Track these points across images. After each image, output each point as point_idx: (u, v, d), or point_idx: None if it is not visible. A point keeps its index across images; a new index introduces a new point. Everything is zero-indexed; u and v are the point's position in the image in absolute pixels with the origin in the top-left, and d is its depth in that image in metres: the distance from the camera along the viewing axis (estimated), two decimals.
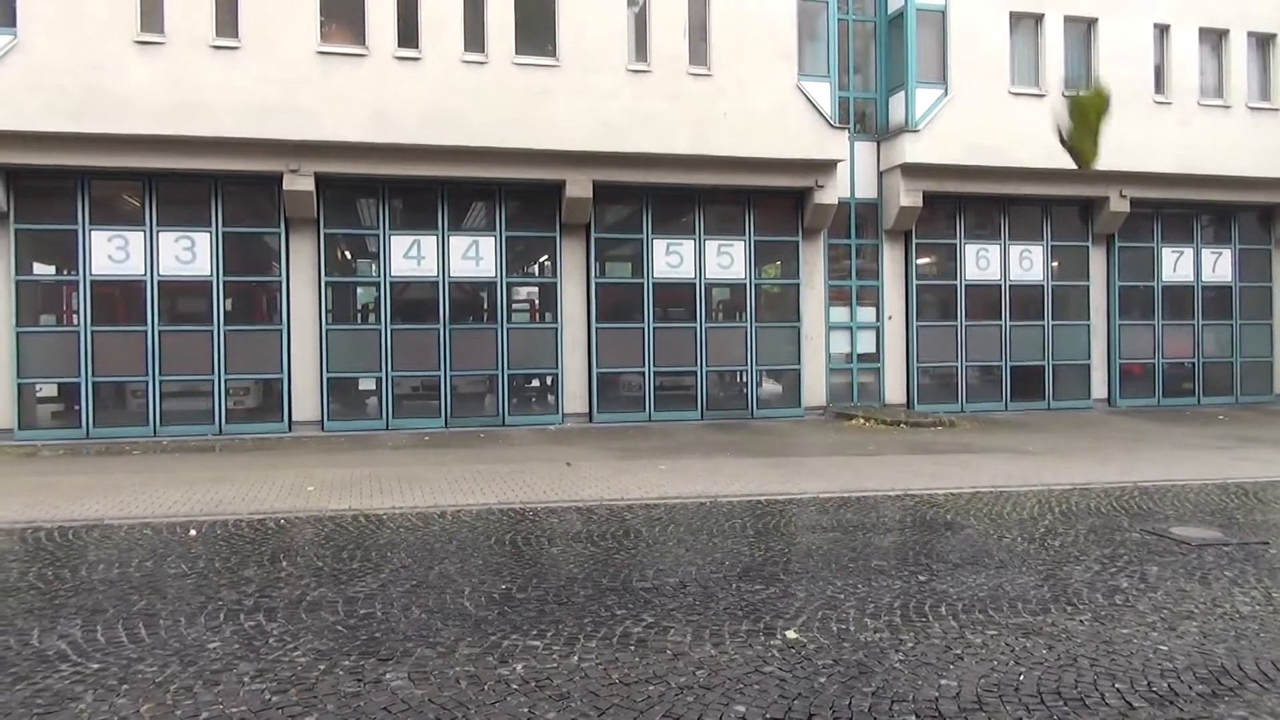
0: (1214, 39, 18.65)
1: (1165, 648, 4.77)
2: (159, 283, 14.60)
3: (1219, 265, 19.74)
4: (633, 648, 4.76)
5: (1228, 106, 18.53)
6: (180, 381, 14.88)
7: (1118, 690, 4.21)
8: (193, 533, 7.55)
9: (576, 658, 4.62)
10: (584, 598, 5.65)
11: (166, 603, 5.58)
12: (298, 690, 4.20)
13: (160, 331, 14.60)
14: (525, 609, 5.42)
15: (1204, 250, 19.65)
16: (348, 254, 16.22)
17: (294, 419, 15.08)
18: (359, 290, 16.21)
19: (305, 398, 15.15)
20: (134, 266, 14.50)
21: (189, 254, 14.67)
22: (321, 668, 4.48)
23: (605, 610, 5.39)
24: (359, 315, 16.04)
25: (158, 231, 14.57)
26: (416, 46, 14.52)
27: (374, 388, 15.63)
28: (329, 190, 15.06)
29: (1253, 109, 18.65)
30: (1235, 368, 19.82)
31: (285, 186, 14.29)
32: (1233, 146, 18.37)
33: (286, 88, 13.92)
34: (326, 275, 15.31)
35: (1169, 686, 4.25)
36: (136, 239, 14.50)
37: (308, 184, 14.35)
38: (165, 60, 13.61)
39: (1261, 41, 18.87)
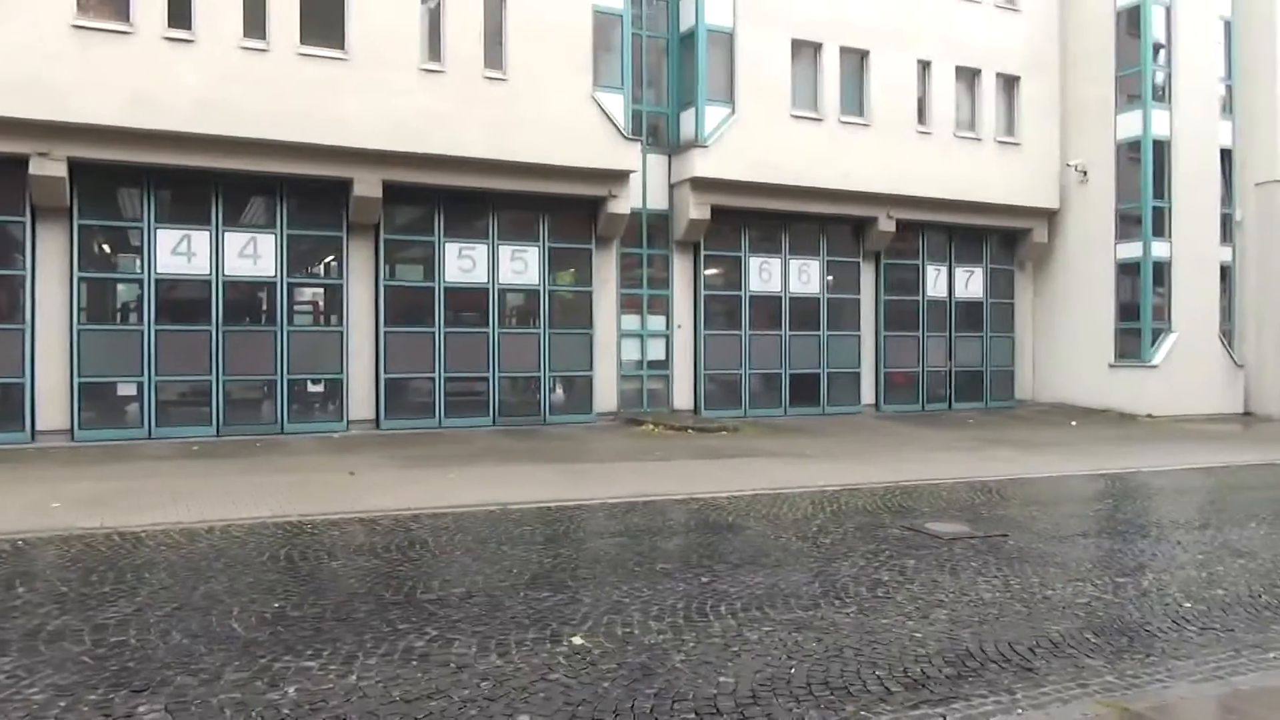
0: (969, 77, 20.48)
1: (919, 635, 5.17)
2: None
3: (971, 283, 21.65)
4: (415, 662, 4.62)
5: (979, 139, 20.43)
6: None
7: (878, 677, 4.51)
8: None
9: (355, 676, 4.43)
10: (365, 613, 5.44)
11: None
12: None
13: None
14: (300, 628, 5.15)
15: (958, 269, 21.52)
16: (106, 248, 14.84)
17: (37, 428, 13.62)
18: (120, 287, 14.85)
19: (51, 404, 13.72)
20: None
21: None
22: (63, 704, 4.07)
23: (387, 625, 5.21)
24: (118, 314, 14.71)
25: None
26: (189, 28, 13.52)
27: (134, 393, 14.37)
28: (85, 178, 13.73)
29: (1000, 143, 20.66)
30: (985, 375, 21.81)
31: (32, 171, 12.91)
32: (983, 176, 20.29)
33: (36, 62, 12.57)
34: (80, 270, 13.94)
35: (922, 671, 4.61)
36: None
37: (60, 169, 13.03)
38: None
39: (1008, 82, 20.91)
